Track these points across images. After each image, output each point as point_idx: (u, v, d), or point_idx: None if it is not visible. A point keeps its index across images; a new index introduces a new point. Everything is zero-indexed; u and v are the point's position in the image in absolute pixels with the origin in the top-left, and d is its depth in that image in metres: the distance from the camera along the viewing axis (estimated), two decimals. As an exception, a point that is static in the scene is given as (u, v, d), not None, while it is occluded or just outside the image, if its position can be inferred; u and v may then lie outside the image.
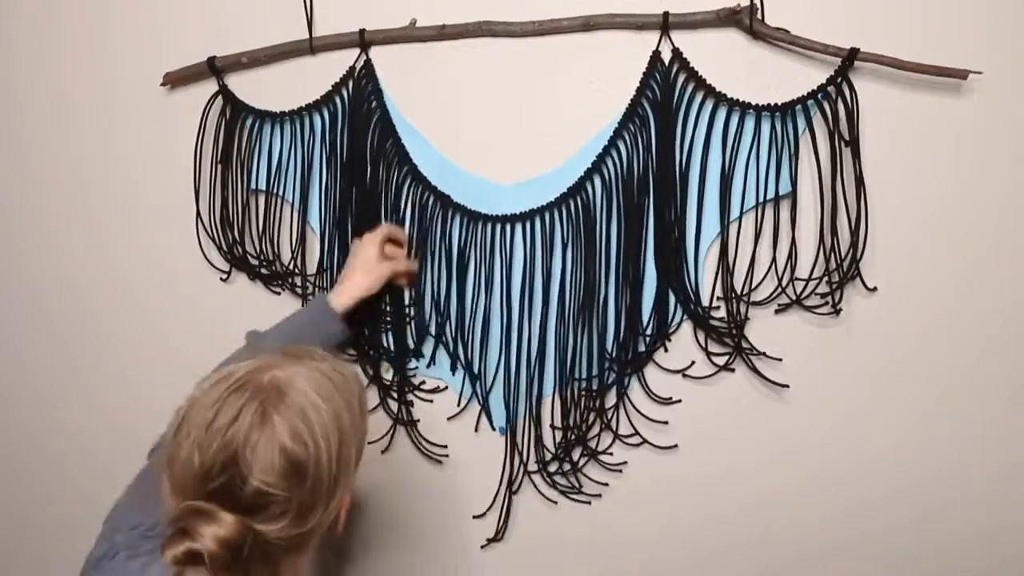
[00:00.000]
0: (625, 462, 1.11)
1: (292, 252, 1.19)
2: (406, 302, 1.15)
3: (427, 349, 1.15)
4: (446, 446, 1.16)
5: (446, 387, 1.16)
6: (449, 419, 1.16)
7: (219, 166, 1.19)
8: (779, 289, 1.04)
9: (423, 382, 1.17)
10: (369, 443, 1.15)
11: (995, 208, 0.99)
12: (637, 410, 1.10)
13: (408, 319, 1.15)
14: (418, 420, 1.16)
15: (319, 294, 1.11)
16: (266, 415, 0.73)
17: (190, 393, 0.77)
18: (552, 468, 1.13)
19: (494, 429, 1.14)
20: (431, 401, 1.16)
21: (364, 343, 1.17)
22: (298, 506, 0.73)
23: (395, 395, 1.17)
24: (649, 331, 1.08)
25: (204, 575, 0.69)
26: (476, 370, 1.13)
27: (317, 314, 1.08)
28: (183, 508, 0.70)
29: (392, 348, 1.16)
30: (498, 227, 1.12)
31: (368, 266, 1.09)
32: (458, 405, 1.15)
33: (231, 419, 0.72)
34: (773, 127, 1.02)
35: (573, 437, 1.11)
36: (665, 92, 1.04)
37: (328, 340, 1.08)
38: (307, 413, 0.75)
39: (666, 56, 1.04)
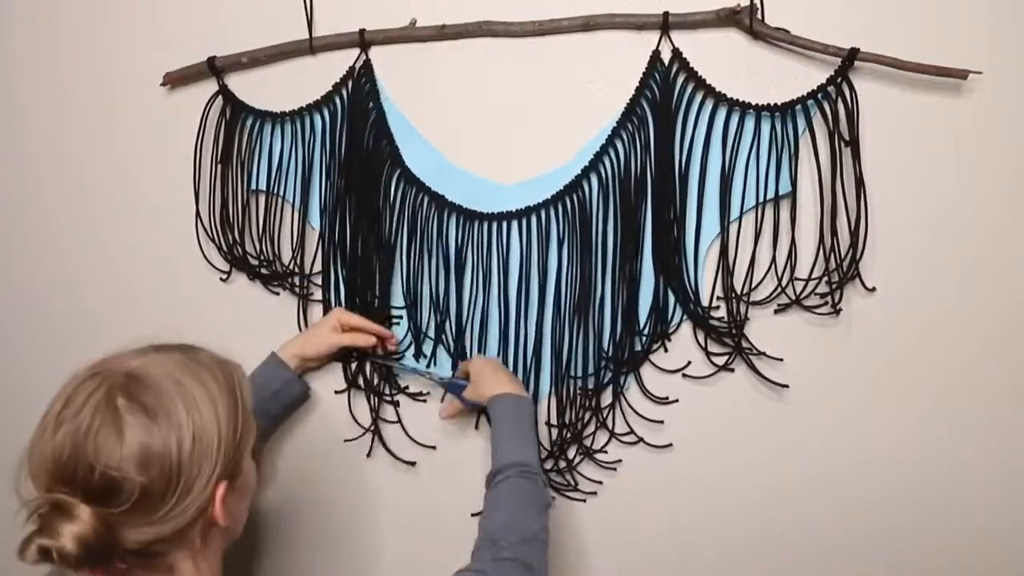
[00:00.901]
0: (620, 460, 1.11)
1: (292, 252, 1.19)
2: (404, 303, 1.15)
3: (427, 348, 1.15)
4: (434, 447, 1.16)
5: (429, 392, 1.16)
6: (444, 418, 1.15)
7: (219, 166, 1.19)
8: (779, 289, 1.04)
9: (407, 386, 1.17)
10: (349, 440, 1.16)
11: (995, 208, 0.99)
12: (633, 409, 1.10)
13: (396, 319, 1.16)
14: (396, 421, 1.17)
15: (272, 357, 1.12)
16: (111, 399, 0.73)
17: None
18: (548, 466, 1.13)
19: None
20: (424, 401, 1.16)
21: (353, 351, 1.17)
22: (144, 490, 0.71)
23: (381, 395, 1.17)
24: (646, 330, 1.08)
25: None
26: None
27: (267, 361, 1.11)
28: (41, 500, 0.70)
29: (381, 350, 1.16)
30: (494, 225, 1.12)
31: (315, 331, 1.13)
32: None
33: (80, 405, 0.73)
34: (773, 127, 1.02)
35: (569, 435, 1.11)
36: (665, 92, 1.04)
37: (291, 401, 1.14)
38: (157, 399, 0.74)
39: (666, 56, 1.04)
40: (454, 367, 1.15)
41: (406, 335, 1.16)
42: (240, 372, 0.84)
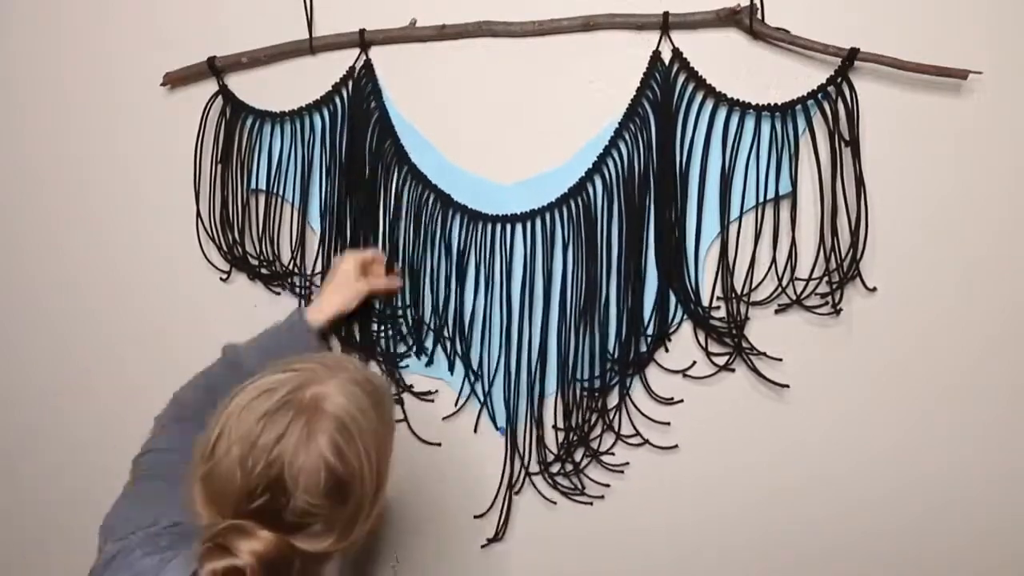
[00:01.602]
0: (627, 463, 1.11)
1: (292, 252, 1.18)
2: (406, 302, 1.15)
3: (429, 347, 1.15)
4: (439, 443, 1.16)
5: (436, 390, 1.16)
6: (445, 419, 1.16)
7: (219, 166, 1.19)
8: (779, 289, 1.04)
9: (411, 385, 1.17)
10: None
11: (995, 208, 0.99)
12: (639, 410, 1.10)
13: (402, 318, 1.15)
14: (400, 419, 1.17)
15: (297, 309, 1.10)
16: (311, 434, 0.73)
17: (225, 406, 0.76)
18: (554, 469, 1.12)
19: (497, 429, 1.14)
20: (432, 401, 1.16)
21: (356, 343, 1.17)
22: (342, 523, 0.74)
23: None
24: (650, 331, 1.08)
25: None
26: (476, 370, 1.13)
27: (294, 330, 1.08)
28: (225, 526, 0.70)
29: (386, 348, 1.16)
30: (498, 227, 1.12)
31: (344, 283, 1.09)
32: (455, 405, 1.15)
33: (276, 438, 0.72)
34: (773, 127, 1.02)
35: (575, 438, 1.11)
36: (665, 92, 1.04)
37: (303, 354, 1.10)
38: (349, 429, 0.75)
39: (666, 56, 1.04)
40: (451, 368, 1.15)
41: (403, 335, 1.16)
42: (389, 387, 0.89)
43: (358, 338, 1.17)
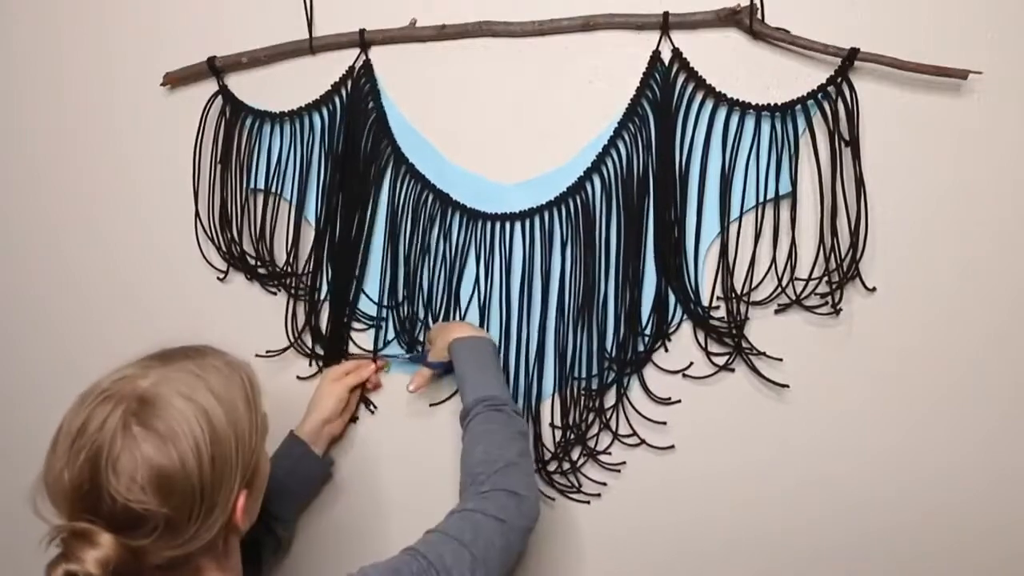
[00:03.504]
0: (624, 462, 1.11)
1: (287, 252, 1.18)
2: (399, 300, 1.15)
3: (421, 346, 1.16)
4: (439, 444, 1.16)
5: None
6: (431, 405, 1.15)
7: (219, 166, 1.19)
8: (779, 289, 1.04)
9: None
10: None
11: (995, 208, 0.98)
12: (636, 410, 1.10)
13: (397, 315, 1.16)
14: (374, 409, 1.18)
15: (290, 438, 1.09)
16: (127, 427, 0.71)
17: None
18: (551, 467, 1.13)
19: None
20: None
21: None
22: (168, 520, 0.70)
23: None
24: (648, 331, 1.08)
25: None
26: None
27: (289, 454, 1.07)
28: (61, 528, 0.69)
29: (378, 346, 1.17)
30: (497, 226, 1.12)
31: (326, 395, 1.10)
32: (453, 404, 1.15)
33: (95, 431, 0.71)
34: (773, 127, 1.02)
35: (572, 436, 1.11)
36: (665, 92, 1.04)
37: (314, 482, 1.12)
38: (173, 421, 0.72)
39: (666, 56, 1.04)
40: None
41: (403, 333, 1.16)
42: (249, 370, 0.83)
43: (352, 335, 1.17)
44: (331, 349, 1.17)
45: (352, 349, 1.18)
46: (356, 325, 1.17)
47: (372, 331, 1.17)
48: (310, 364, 1.19)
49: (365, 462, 1.19)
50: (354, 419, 1.17)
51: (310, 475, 1.12)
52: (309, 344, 1.19)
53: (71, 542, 0.68)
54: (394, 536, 1.20)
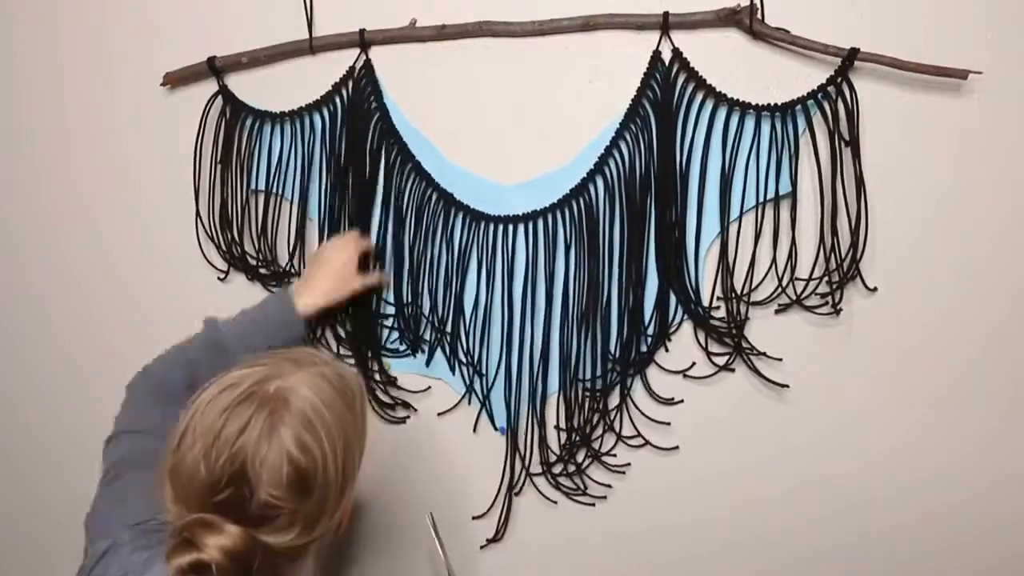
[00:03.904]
0: (629, 463, 1.11)
1: (289, 252, 1.18)
2: (405, 300, 1.15)
3: (426, 348, 1.16)
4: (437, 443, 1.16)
5: (428, 387, 1.16)
6: (441, 414, 1.16)
7: (219, 166, 1.19)
8: (779, 289, 1.04)
9: (394, 377, 1.17)
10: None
11: (995, 208, 0.98)
12: (640, 411, 1.10)
13: (401, 316, 1.15)
14: (408, 416, 1.17)
15: (283, 290, 1.08)
16: (273, 427, 0.73)
17: (192, 401, 0.76)
18: (557, 470, 1.12)
19: (496, 429, 1.14)
20: (415, 403, 1.16)
21: (355, 339, 1.17)
22: (305, 517, 0.73)
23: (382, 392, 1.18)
24: (651, 331, 1.08)
25: None
26: (477, 369, 1.13)
27: (281, 315, 1.05)
28: (189, 520, 0.70)
29: (383, 346, 1.17)
30: (500, 228, 1.12)
31: (343, 275, 1.07)
32: (457, 404, 1.15)
33: (238, 430, 0.72)
34: (773, 127, 1.02)
35: (577, 438, 1.11)
36: (665, 92, 1.04)
37: (289, 341, 1.07)
38: (313, 423, 0.75)
39: (666, 56, 1.04)
40: (452, 368, 1.15)
41: (406, 334, 1.16)
42: (360, 379, 0.86)
43: (352, 334, 1.17)
44: (352, 344, 1.17)
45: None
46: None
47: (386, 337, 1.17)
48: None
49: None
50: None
51: (289, 338, 1.06)
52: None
53: (196, 531, 0.69)
54: (376, 539, 1.20)
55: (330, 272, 1.07)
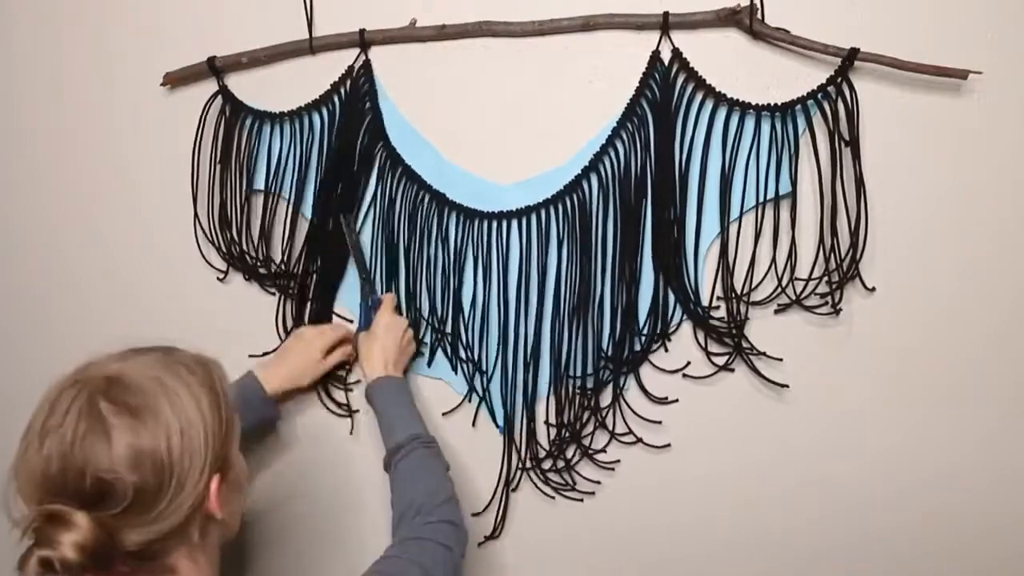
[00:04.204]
0: (619, 460, 1.11)
1: (282, 251, 1.18)
2: (403, 304, 1.15)
3: (424, 348, 1.16)
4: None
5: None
6: (445, 414, 1.16)
7: (218, 166, 1.19)
8: (779, 289, 1.04)
9: None
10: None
11: (995, 208, 0.99)
12: (632, 409, 1.10)
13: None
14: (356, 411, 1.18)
15: (250, 376, 1.10)
16: (93, 404, 0.73)
17: None
18: (546, 465, 1.13)
19: (498, 427, 1.14)
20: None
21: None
22: (137, 490, 0.71)
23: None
24: (645, 330, 1.08)
25: None
26: (477, 366, 1.13)
27: (250, 397, 1.08)
28: (35, 513, 0.69)
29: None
30: (494, 224, 1.12)
31: (310, 359, 1.11)
32: (459, 405, 1.15)
33: (62, 414, 0.73)
34: (773, 127, 1.02)
35: (567, 435, 1.11)
36: (665, 92, 1.04)
37: (260, 423, 1.11)
38: (140, 399, 0.74)
39: (666, 56, 1.04)
40: (453, 367, 1.15)
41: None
42: (220, 369, 0.85)
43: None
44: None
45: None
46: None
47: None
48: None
49: (339, 477, 1.20)
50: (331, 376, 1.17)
51: (258, 416, 1.09)
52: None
53: (45, 527, 0.69)
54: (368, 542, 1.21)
55: (297, 357, 1.12)
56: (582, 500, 1.13)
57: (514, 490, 1.15)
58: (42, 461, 0.72)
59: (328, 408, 1.18)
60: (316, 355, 1.12)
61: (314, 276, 1.17)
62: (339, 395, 1.19)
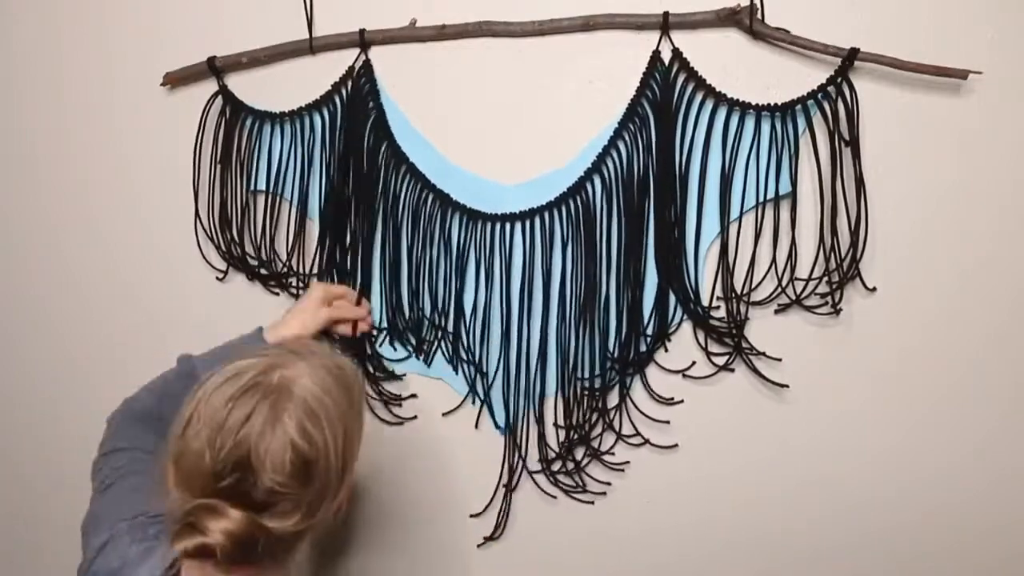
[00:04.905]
0: (628, 462, 1.11)
1: (288, 252, 1.18)
2: (406, 303, 1.15)
3: (427, 349, 1.16)
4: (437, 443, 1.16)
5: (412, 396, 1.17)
6: (445, 415, 1.16)
7: (219, 166, 1.19)
8: (779, 289, 1.04)
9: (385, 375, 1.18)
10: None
11: (995, 208, 0.99)
12: (639, 410, 1.10)
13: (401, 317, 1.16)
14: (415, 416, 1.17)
15: (257, 328, 1.10)
16: (277, 415, 0.75)
17: (196, 391, 0.78)
18: (556, 467, 1.13)
19: (497, 427, 1.14)
20: (399, 404, 1.17)
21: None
22: (308, 503, 0.75)
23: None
24: (650, 331, 1.08)
25: (206, 567, 0.73)
26: (478, 367, 1.13)
27: (252, 343, 1.08)
28: (195, 505, 0.72)
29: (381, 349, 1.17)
30: (497, 226, 1.12)
31: (306, 308, 1.10)
32: (460, 405, 1.15)
33: (243, 419, 0.74)
34: (773, 127, 1.02)
35: (576, 437, 1.11)
36: (665, 92, 1.04)
37: None
38: (315, 411, 0.76)
39: (666, 56, 1.04)
40: (454, 367, 1.15)
41: (408, 332, 1.16)
42: (359, 371, 0.88)
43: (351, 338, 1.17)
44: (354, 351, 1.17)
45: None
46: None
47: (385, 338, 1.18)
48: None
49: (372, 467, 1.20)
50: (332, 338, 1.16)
51: None
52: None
53: (201, 516, 0.71)
54: (374, 536, 1.20)
55: (296, 309, 1.11)
56: (592, 502, 1.13)
57: (514, 491, 1.15)
58: (216, 464, 0.73)
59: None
60: (321, 301, 1.11)
61: (328, 280, 1.17)
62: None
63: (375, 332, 1.17)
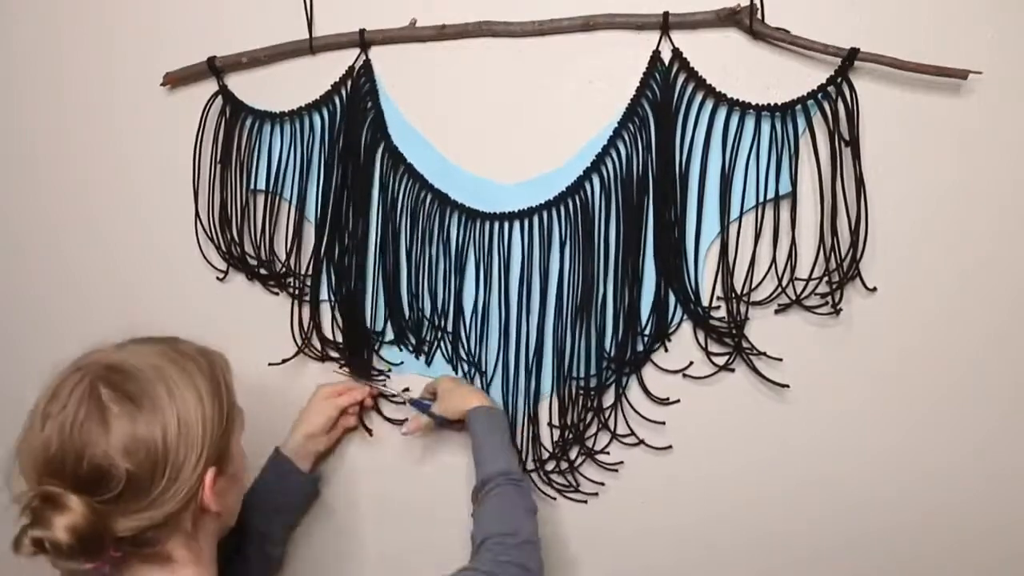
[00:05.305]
0: (622, 462, 1.11)
1: (287, 252, 1.18)
2: (405, 303, 1.15)
3: (427, 349, 1.16)
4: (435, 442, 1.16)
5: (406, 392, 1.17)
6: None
7: (219, 166, 1.19)
8: (779, 289, 1.04)
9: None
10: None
11: (995, 208, 0.99)
12: (635, 410, 1.10)
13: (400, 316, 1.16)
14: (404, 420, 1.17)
15: (273, 452, 1.11)
16: (94, 390, 0.75)
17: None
18: (550, 467, 1.13)
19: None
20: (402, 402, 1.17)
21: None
22: (131, 477, 0.73)
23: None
24: (648, 331, 1.08)
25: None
26: (477, 366, 1.13)
27: (272, 469, 1.09)
28: (32, 493, 0.72)
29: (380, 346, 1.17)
30: (496, 225, 1.12)
31: (311, 411, 1.11)
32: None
33: (64, 399, 0.75)
34: (773, 127, 1.02)
35: (571, 436, 1.11)
36: (665, 92, 1.04)
37: (296, 492, 1.11)
38: (140, 387, 0.76)
39: (666, 56, 1.04)
40: (454, 367, 1.15)
41: (407, 332, 1.16)
42: (223, 361, 0.86)
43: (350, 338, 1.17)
44: (352, 352, 1.17)
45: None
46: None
47: (384, 339, 1.17)
48: (322, 361, 1.19)
49: (358, 482, 1.20)
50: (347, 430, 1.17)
51: (296, 491, 1.12)
52: (318, 347, 1.19)
53: (40, 508, 0.70)
54: (386, 556, 1.20)
55: (303, 413, 1.12)
56: (586, 502, 1.13)
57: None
58: (43, 442, 0.74)
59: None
60: (325, 398, 1.12)
61: (324, 280, 1.17)
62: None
63: (388, 393, 1.17)
